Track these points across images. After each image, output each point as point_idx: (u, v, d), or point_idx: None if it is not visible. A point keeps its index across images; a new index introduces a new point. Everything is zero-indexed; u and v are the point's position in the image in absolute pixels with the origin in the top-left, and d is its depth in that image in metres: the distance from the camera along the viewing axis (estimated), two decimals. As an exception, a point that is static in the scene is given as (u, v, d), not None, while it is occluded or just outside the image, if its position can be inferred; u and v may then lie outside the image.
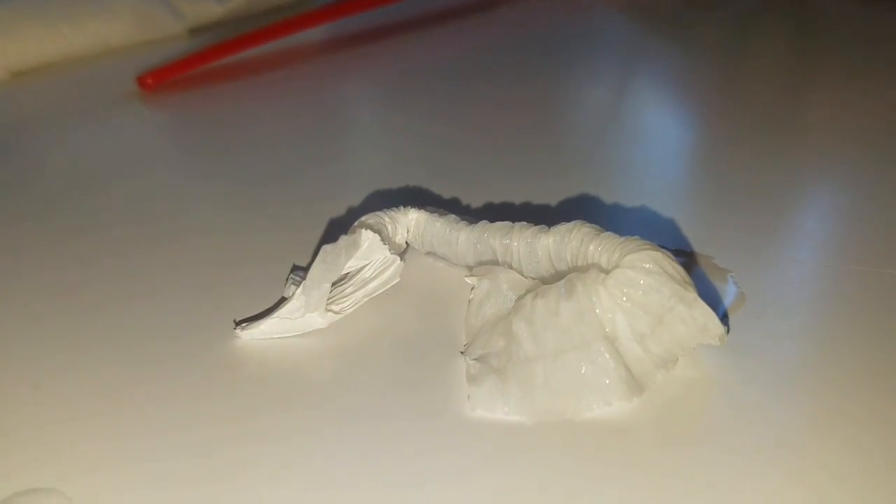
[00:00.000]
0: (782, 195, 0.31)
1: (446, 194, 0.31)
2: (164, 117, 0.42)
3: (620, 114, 0.42)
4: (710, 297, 0.23)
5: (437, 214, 0.25)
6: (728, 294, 0.24)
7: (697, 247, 0.27)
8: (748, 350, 0.22)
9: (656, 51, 0.52)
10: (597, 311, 0.20)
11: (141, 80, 0.44)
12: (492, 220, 0.24)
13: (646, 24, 0.56)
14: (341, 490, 0.18)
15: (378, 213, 0.25)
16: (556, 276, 0.23)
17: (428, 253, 0.26)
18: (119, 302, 0.25)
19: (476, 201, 0.31)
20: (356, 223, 0.25)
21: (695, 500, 0.18)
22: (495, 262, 0.24)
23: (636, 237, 0.21)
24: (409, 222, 0.26)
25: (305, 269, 0.24)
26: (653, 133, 0.39)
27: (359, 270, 0.24)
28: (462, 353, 0.22)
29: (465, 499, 0.18)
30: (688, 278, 0.21)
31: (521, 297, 0.22)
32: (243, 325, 0.23)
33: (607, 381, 0.20)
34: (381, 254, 0.24)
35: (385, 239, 0.24)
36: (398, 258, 0.24)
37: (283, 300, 0.24)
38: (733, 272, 0.25)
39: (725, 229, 0.28)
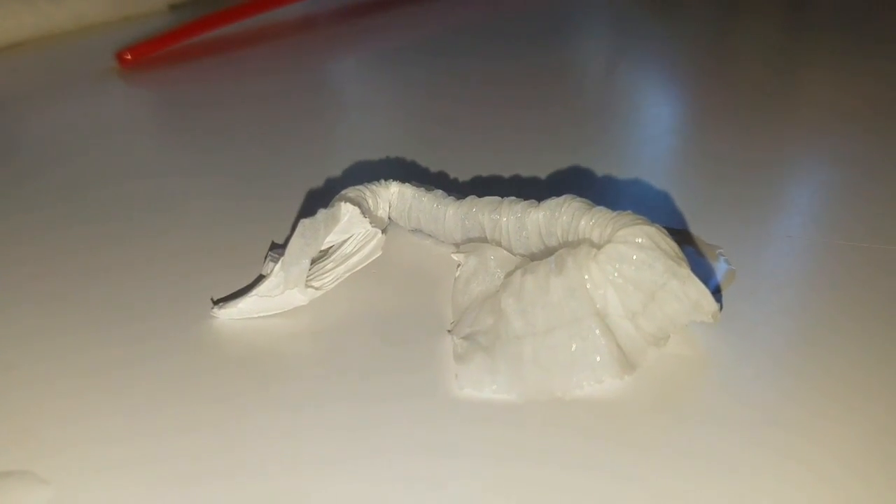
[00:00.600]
0: (773, 171, 0.31)
1: (434, 168, 0.31)
2: (144, 94, 0.42)
3: (610, 89, 0.42)
4: (701, 274, 0.23)
5: (423, 189, 0.25)
6: (719, 271, 0.24)
7: (689, 222, 0.26)
8: (741, 327, 0.22)
9: (646, 27, 0.51)
10: (588, 286, 0.20)
11: (120, 57, 0.43)
12: (480, 196, 0.24)
13: (635, 1, 0.55)
14: (326, 473, 0.17)
15: (358, 186, 0.25)
16: (546, 252, 0.22)
17: (413, 230, 0.26)
18: (94, 283, 0.24)
19: (464, 175, 0.30)
20: (336, 197, 0.24)
21: (686, 477, 0.17)
22: (484, 239, 0.24)
23: (629, 212, 0.21)
24: (391, 196, 0.25)
25: (284, 247, 0.23)
26: (643, 108, 0.39)
27: (340, 246, 0.24)
28: (449, 331, 0.22)
29: (454, 479, 0.17)
30: (681, 254, 0.20)
31: (510, 274, 0.21)
32: (220, 304, 0.23)
33: (598, 359, 0.19)
34: (362, 227, 0.23)
35: (365, 212, 0.23)
36: (379, 231, 0.24)
37: (261, 278, 0.23)
38: (723, 248, 0.25)
39: (717, 205, 0.28)
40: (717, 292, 0.23)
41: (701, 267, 0.24)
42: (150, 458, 0.18)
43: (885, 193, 0.29)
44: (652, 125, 0.37)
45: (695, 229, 0.26)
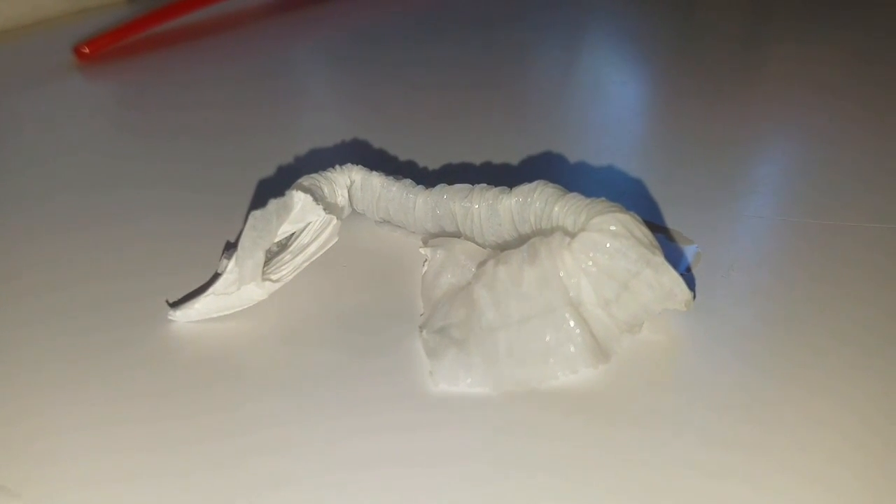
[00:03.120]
0: (742, 149, 0.31)
1: (402, 156, 0.30)
2: (103, 88, 0.41)
3: (576, 69, 0.41)
4: (671, 259, 0.22)
5: (391, 179, 0.24)
6: (688, 254, 0.24)
7: (658, 204, 0.26)
8: (713, 311, 0.22)
9: (611, 3, 0.51)
10: (561, 275, 0.19)
11: (78, 50, 0.42)
12: (450, 184, 0.23)
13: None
14: (299, 479, 0.17)
15: (313, 174, 0.24)
16: (519, 239, 0.22)
17: (382, 221, 0.25)
18: (46, 288, 0.23)
19: (433, 163, 0.30)
20: (291, 186, 0.23)
21: (665, 464, 0.17)
22: (455, 228, 0.23)
23: (602, 198, 0.20)
24: (353, 183, 0.25)
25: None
26: (610, 90, 0.38)
27: (298, 236, 0.23)
28: (420, 326, 0.21)
29: (433, 476, 0.17)
30: (655, 241, 0.20)
31: (481, 265, 0.21)
32: (176, 306, 0.22)
33: (572, 349, 0.19)
34: (316, 215, 0.23)
35: (319, 199, 0.23)
36: (334, 218, 0.23)
37: (217, 276, 0.22)
38: (693, 232, 0.25)
39: (687, 187, 0.28)
40: (688, 272, 0.23)
41: (670, 251, 0.24)
42: (116, 472, 0.17)
43: (855, 168, 0.29)
44: (619, 105, 0.36)
45: (665, 212, 0.26)
